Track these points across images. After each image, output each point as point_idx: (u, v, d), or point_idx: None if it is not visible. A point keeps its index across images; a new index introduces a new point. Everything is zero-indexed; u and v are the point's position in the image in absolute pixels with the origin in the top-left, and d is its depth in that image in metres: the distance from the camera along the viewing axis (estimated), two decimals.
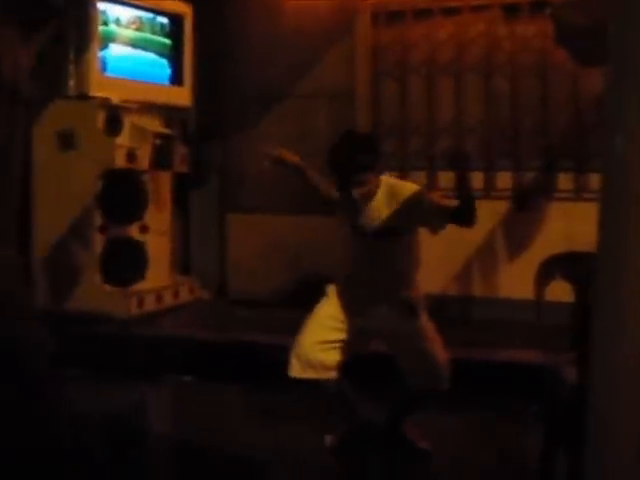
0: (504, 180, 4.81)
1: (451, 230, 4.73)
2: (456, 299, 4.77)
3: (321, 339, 2.88)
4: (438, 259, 4.76)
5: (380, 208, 2.83)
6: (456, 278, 4.84)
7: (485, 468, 2.95)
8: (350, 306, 2.90)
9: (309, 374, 2.85)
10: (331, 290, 2.96)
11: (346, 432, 3.05)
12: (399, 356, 2.93)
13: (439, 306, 4.67)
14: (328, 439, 3.06)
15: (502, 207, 4.79)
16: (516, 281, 4.55)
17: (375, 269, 2.89)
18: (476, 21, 4.82)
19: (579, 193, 4.68)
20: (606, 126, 1.74)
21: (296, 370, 2.86)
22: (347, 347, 2.90)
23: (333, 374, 2.89)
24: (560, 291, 2.64)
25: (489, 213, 4.76)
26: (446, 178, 4.92)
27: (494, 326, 4.32)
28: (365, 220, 2.84)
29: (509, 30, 4.77)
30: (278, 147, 3.06)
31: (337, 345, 2.89)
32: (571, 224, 4.53)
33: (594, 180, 4.65)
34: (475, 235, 4.78)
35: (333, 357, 2.87)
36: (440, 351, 2.89)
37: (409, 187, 2.88)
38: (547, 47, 4.64)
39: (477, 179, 4.84)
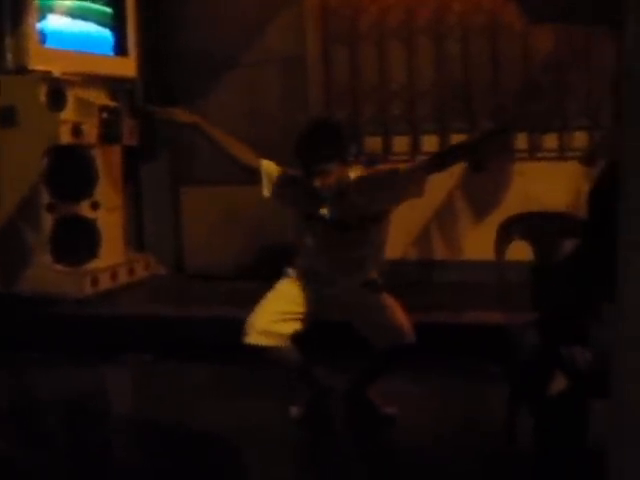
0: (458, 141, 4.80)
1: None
2: (415, 263, 4.78)
3: (279, 310, 2.87)
4: (396, 224, 4.74)
5: (350, 201, 2.81)
6: (415, 242, 4.84)
7: (450, 430, 2.97)
8: (310, 291, 2.90)
9: (263, 341, 2.83)
10: (290, 272, 2.95)
11: (310, 402, 3.04)
12: (359, 325, 2.93)
13: (399, 271, 4.70)
14: (293, 410, 3.05)
15: (457, 169, 4.78)
16: (475, 243, 4.58)
17: (339, 258, 2.88)
18: None
19: (532, 153, 4.71)
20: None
21: (251, 337, 2.83)
22: (305, 319, 2.89)
23: (288, 343, 2.88)
24: (520, 251, 2.66)
25: (445, 175, 4.75)
26: (400, 143, 4.91)
27: (455, 289, 4.34)
28: (331, 211, 2.82)
29: None
30: (178, 109, 3.00)
31: (295, 317, 2.88)
32: (526, 184, 4.57)
33: (547, 140, 4.69)
34: (432, 198, 4.76)
35: (290, 327, 2.87)
36: (400, 312, 2.90)
37: (378, 171, 2.90)
38: (497, 8, 4.62)
39: (431, 142, 4.83)
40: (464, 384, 3.38)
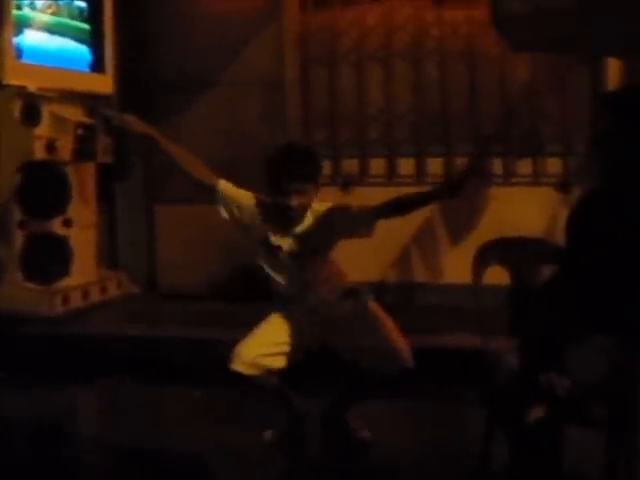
0: (435, 166, 4.83)
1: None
2: (393, 286, 4.77)
3: (270, 341, 2.84)
4: (375, 246, 4.75)
5: (305, 232, 2.81)
6: (394, 264, 4.84)
7: (426, 454, 2.95)
8: (297, 325, 2.89)
9: (248, 371, 2.79)
10: (275, 314, 2.93)
11: (285, 426, 3.00)
12: (353, 348, 2.85)
13: (378, 293, 4.69)
14: (268, 434, 3.01)
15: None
16: (453, 266, 4.60)
17: (302, 279, 2.87)
18: (404, 7, 4.81)
19: (508, 178, 4.75)
20: None
21: (237, 365, 2.79)
22: (296, 353, 2.88)
23: (274, 379, 2.86)
24: (497, 275, 2.66)
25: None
26: (377, 165, 4.93)
27: (433, 312, 4.34)
28: (288, 242, 2.82)
29: (437, 16, 4.78)
30: (133, 117, 2.94)
31: (283, 350, 2.86)
32: (501, 208, 4.60)
33: (522, 165, 4.73)
34: (410, 221, 4.79)
35: (278, 362, 2.84)
36: (395, 331, 2.87)
37: (330, 207, 2.86)
38: (475, 33, 4.69)
39: (408, 165, 4.86)
40: (440, 408, 3.36)
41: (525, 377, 2.17)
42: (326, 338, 2.91)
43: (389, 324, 2.88)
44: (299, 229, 2.83)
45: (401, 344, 2.84)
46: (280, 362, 2.85)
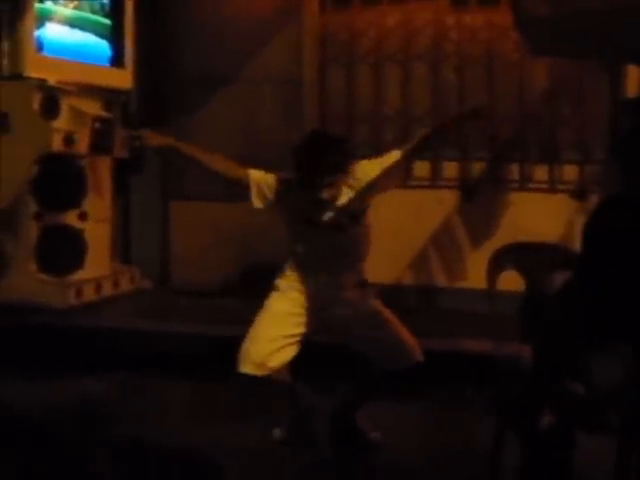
0: (451, 170, 4.82)
1: (399, 219, 4.77)
2: (409, 289, 4.76)
3: (276, 335, 2.79)
4: (388, 249, 4.74)
5: (341, 200, 2.77)
6: (406, 268, 4.83)
7: (437, 458, 2.93)
8: (306, 298, 2.83)
9: (259, 372, 2.76)
10: (281, 284, 2.87)
11: (294, 422, 2.99)
12: (361, 340, 2.84)
13: (391, 296, 4.68)
14: (277, 432, 3.00)
15: (449, 196, 4.80)
16: (466, 270, 4.58)
17: (330, 259, 2.81)
18: (424, 10, 4.80)
19: (523, 184, 4.73)
20: None
21: (247, 367, 2.76)
22: (302, 338, 2.84)
23: (285, 373, 2.83)
24: (512, 280, 2.65)
25: (435, 202, 4.78)
26: None
27: (448, 316, 4.32)
28: (324, 215, 2.78)
29: (456, 19, 4.77)
30: (148, 131, 2.91)
31: (293, 340, 2.82)
32: (517, 214, 4.59)
33: (539, 171, 4.71)
34: (423, 225, 4.80)
35: (287, 354, 2.80)
36: (402, 329, 2.85)
37: (358, 166, 2.83)
38: (494, 37, 4.67)
39: (424, 168, 4.85)
40: (453, 411, 3.35)
41: (538, 383, 2.16)
42: (334, 326, 2.87)
43: (396, 321, 2.87)
44: (337, 202, 2.75)
45: (410, 339, 2.83)
46: (292, 352, 2.80)
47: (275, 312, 2.84)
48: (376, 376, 2.87)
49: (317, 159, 2.66)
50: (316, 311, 2.83)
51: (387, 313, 2.88)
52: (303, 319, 2.83)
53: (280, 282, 2.88)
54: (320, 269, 2.83)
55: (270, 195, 2.82)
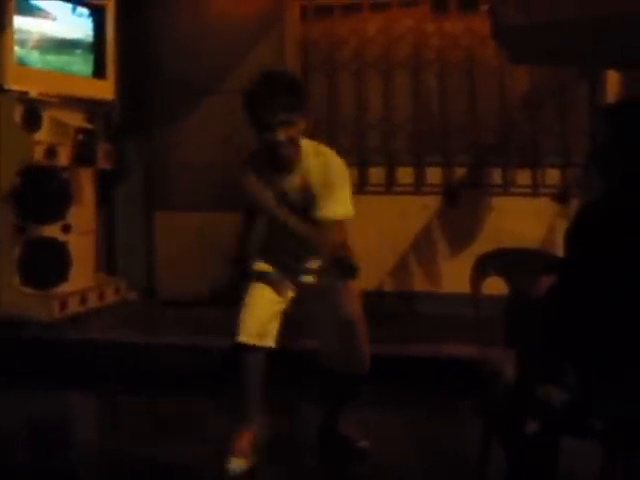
0: (434, 175, 4.85)
1: (383, 225, 4.78)
2: (391, 295, 4.78)
3: (270, 298, 2.76)
4: (371, 254, 4.76)
5: (309, 175, 2.64)
6: (390, 273, 4.84)
7: (422, 464, 2.94)
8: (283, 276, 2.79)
9: (257, 341, 2.70)
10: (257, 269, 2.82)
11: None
12: (323, 329, 2.83)
13: (375, 302, 4.69)
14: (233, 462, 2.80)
15: (432, 202, 4.83)
16: (449, 275, 4.61)
17: (298, 244, 2.73)
18: (404, 17, 4.84)
19: (506, 188, 4.76)
20: None
21: (244, 336, 2.69)
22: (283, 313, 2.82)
23: (274, 343, 2.77)
24: (496, 285, 2.67)
25: (420, 208, 4.80)
26: (376, 174, 4.94)
27: (430, 321, 4.34)
28: (290, 188, 2.66)
29: (437, 27, 4.80)
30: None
31: (280, 308, 2.79)
32: (500, 218, 4.62)
33: (521, 176, 4.75)
34: (407, 231, 4.81)
35: (276, 326, 2.76)
36: (364, 334, 2.83)
37: (337, 164, 2.69)
38: (474, 44, 4.71)
39: (407, 174, 4.87)
40: (437, 418, 3.36)
41: (522, 388, 2.17)
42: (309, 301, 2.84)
43: (362, 323, 2.84)
44: (302, 170, 2.63)
45: (364, 348, 2.82)
46: (277, 322, 2.76)
47: (261, 289, 2.78)
48: (333, 383, 2.88)
49: (272, 95, 2.53)
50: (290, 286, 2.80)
51: (357, 313, 2.84)
52: (282, 298, 2.79)
53: (254, 266, 2.83)
54: (293, 248, 2.75)
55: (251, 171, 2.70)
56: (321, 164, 2.66)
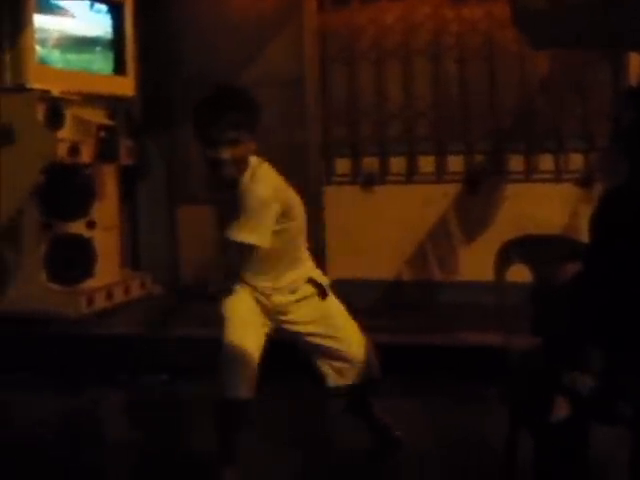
0: (456, 163, 4.82)
1: (404, 214, 4.77)
2: (412, 284, 4.77)
3: (254, 340, 2.60)
4: (392, 244, 4.76)
5: (241, 194, 2.50)
6: (412, 263, 4.83)
7: (450, 454, 2.94)
8: (262, 304, 2.67)
9: (251, 394, 2.57)
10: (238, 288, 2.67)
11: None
12: (319, 351, 2.71)
13: (398, 291, 4.69)
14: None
15: (454, 190, 4.81)
16: (471, 264, 4.59)
17: (270, 259, 2.60)
18: (423, 4, 4.80)
19: (529, 174, 4.72)
20: None
21: (241, 391, 2.56)
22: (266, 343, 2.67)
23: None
24: (518, 272, 2.65)
25: (441, 196, 4.78)
26: (397, 163, 4.93)
27: (453, 310, 4.32)
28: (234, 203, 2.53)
29: (456, 13, 4.76)
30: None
31: (262, 342, 2.64)
32: (522, 205, 4.58)
33: (544, 161, 4.71)
34: (428, 219, 4.80)
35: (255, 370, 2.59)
36: (363, 338, 2.74)
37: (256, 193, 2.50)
38: (494, 29, 4.66)
39: (428, 162, 4.85)
40: (463, 407, 3.35)
41: (548, 376, 2.16)
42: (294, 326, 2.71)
43: (357, 329, 2.74)
44: (241, 189, 2.49)
45: (369, 353, 2.72)
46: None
47: (240, 317, 2.62)
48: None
49: (218, 111, 2.43)
50: (269, 309, 2.67)
51: (346, 313, 2.75)
52: (262, 318, 2.66)
53: (234, 285, 2.66)
54: (260, 272, 2.63)
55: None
56: (243, 190, 2.52)
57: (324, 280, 2.75)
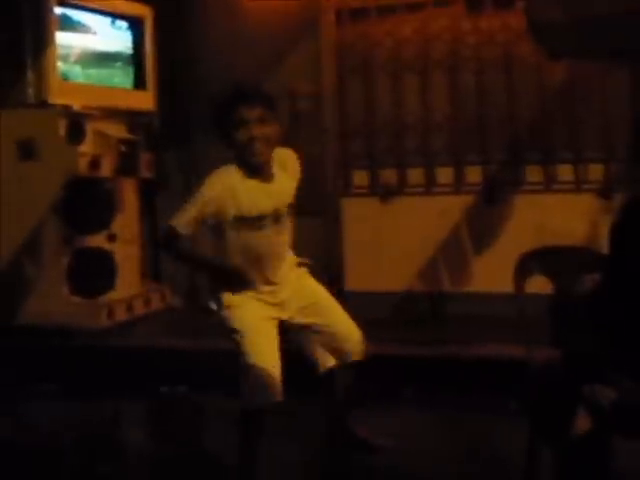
0: (474, 174, 4.82)
1: (423, 225, 4.77)
2: (433, 295, 4.75)
3: (271, 343, 2.66)
4: (410, 255, 4.76)
5: (280, 188, 2.67)
6: (429, 274, 4.82)
7: (469, 468, 2.92)
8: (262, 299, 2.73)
9: (280, 397, 2.61)
10: (233, 300, 2.73)
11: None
12: (311, 330, 2.79)
13: (416, 302, 4.68)
14: None
15: (472, 201, 4.80)
16: (490, 275, 4.56)
17: (268, 256, 2.70)
18: (440, 16, 4.82)
19: (547, 185, 4.71)
20: None
21: (269, 396, 2.61)
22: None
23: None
24: (538, 283, 2.64)
25: (457, 207, 4.78)
26: (415, 175, 4.93)
27: (473, 321, 4.30)
28: (266, 202, 2.64)
29: (473, 24, 4.77)
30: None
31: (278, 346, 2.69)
32: (540, 216, 4.56)
33: (563, 171, 4.69)
34: (446, 230, 4.79)
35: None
36: (350, 319, 2.81)
37: (290, 154, 2.73)
38: (511, 40, 4.66)
39: (446, 174, 4.85)
40: (481, 421, 3.33)
41: (569, 388, 2.15)
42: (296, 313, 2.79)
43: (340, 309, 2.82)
44: (276, 184, 2.65)
45: (355, 329, 2.79)
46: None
47: (253, 323, 2.67)
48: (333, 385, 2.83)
49: (244, 95, 2.61)
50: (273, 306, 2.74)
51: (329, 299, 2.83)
52: (273, 320, 2.72)
53: (230, 299, 2.72)
54: (260, 265, 2.70)
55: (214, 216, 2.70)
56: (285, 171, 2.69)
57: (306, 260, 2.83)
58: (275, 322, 2.73)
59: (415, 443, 2.96)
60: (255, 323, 2.67)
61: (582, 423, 2.06)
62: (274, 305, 2.73)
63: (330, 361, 2.79)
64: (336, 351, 2.78)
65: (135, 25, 4.90)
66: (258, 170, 2.65)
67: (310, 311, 2.78)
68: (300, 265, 2.82)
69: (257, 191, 2.65)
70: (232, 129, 2.60)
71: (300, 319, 2.79)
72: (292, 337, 2.83)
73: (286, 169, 2.73)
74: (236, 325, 2.69)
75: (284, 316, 2.76)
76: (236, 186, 2.63)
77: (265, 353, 2.63)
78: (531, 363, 2.51)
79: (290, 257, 2.82)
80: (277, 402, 2.61)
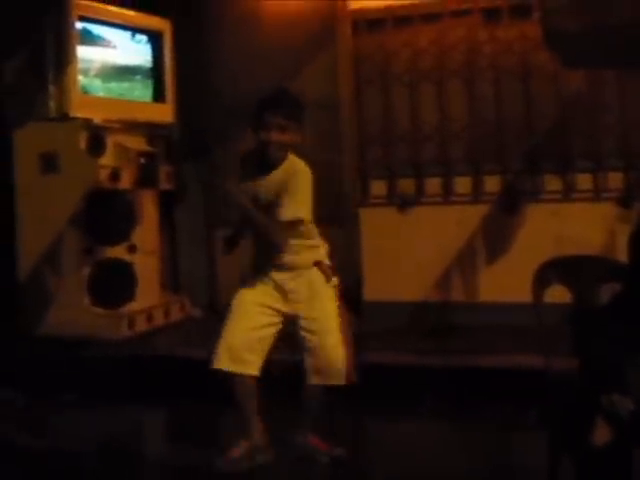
0: (492, 184, 4.81)
1: (441, 235, 4.77)
2: (452, 305, 4.74)
3: (251, 325, 2.91)
4: (428, 265, 4.75)
5: (277, 181, 2.87)
6: (447, 284, 4.81)
7: (486, 478, 2.91)
8: (271, 286, 2.97)
9: (236, 368, 2.88)
10: (246, 279, 3.01)
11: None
12: (306, 337, 2.93)
13: (436, 312, 4.66)
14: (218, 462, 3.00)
15: (491, 210, 4.79)
16: (506, 285, 4.54)
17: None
18: (456, 26, 4.83)
19: (566, 194, 4.69)
20: None
21: (223, 362, 2.89)
22: (274, 332, 2.94)
23: (256, 372, 2.93)
24: (556, 293, 2.63)
25: (475, 216, 4.77)
26: (433, 184, 4.93)
27: (492, 331, 4.28)
28: (266, 187, 2.89)
29: (489, 34, 4.78)
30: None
31: (265, 333, 2.93)
32: (559, 225, 4.54)
33: (580, 181, 4.67)
34: (464, 239, 4.79)
35: (260, 354, 2.91)
36: (344, 343, 2.92)
37: (302, 171, 2.90)
38: (528, 50, 4.66)
39: (464, 184, 4.85)
40: (500, 431, 3.31)
41: (588, 399, 2.14)
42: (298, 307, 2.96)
43: (345, 332, 2.93)
44: (273, 175, 2.88)
45: (344, 359, 2.90)
46: (266, 346, 2.93)
47: (244, 303, 2.97)
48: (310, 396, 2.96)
49: (278, 101, 2.89)
50: (280, 295, 2.95)
51: (341, 314, 2.96)
52: (271, 310, 2.95)
53: (246, 277, 3.03)
54: (272, 254, 2.94)
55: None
56: (290, 173, 2.89)
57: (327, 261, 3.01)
58: (271, 312, 2.96)
59: (432, 453, 2.95)
60: (246, 306, 2.97)
61: (601, 433, 2.05)
62: (279, 294, 2.95)
63: (313, 379, 2.95)
64: (320, 372, 2.94)
65: (154, 39, 4.96)
66: (267, 165, 2.93)
67: (308, 324, 2.95)
68: (315, 265, 2.97)
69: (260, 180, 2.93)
70: (257, 127, 2.89)
71: (299, 323, 2.97)
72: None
73: (288, 179, 2.89)
74: (234, 300, 3.01)
75: (285, 309, 2.96)
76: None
77: (238, 330, 2.92)
78: (550, 373, 2.50)
79: (308, 254, 2.96)
80: (234, 373, 2.88)
